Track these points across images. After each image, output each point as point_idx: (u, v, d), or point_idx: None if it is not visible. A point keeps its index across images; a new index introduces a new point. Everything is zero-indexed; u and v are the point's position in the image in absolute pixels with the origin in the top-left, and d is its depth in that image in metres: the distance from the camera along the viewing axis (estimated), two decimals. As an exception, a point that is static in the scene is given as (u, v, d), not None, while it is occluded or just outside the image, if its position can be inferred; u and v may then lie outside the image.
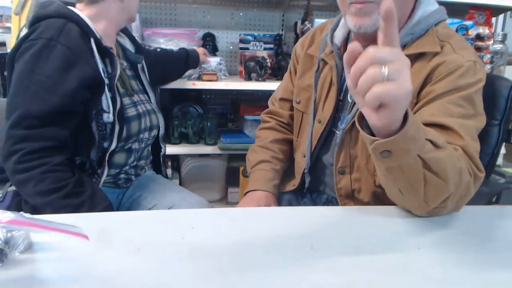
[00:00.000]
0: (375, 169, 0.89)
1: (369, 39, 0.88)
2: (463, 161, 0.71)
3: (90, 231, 0.57)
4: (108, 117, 1.04)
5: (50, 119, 0.95)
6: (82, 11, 1.07)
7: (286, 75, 1.17)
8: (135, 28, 1.94)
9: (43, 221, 0.55)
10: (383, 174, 0.69)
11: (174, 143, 1.97)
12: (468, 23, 1.95)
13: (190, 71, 1.92)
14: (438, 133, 0.71)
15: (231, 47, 2.32)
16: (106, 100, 1.03)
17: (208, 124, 2.00)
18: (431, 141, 0.64)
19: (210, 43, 2.16)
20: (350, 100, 0.93)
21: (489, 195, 1.15)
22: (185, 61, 1.66)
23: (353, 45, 0.53)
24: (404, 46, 0.84)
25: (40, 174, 0.92)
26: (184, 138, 2.01)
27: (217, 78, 1.92)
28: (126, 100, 1.13)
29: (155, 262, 0.57)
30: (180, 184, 2.11)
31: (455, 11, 2.18)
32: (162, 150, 1.35)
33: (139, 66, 1.26)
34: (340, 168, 0.95)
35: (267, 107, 1.22)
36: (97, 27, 1.07)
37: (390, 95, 0.52)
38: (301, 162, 1.05)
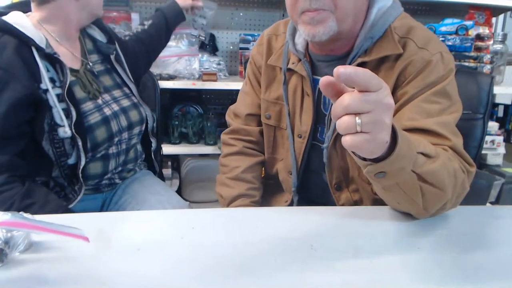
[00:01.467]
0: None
1: (325, 48, 0.85)
2: (455, 160, 0.71)
3: (90, 231, 0.57)
4: (65, 131, 0.94)
5: None
6: (35, 12, 1.01)
7: (247, 88, 1.05)
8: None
9: (44, 222, 0.55)
10: (380, 191, 0.69)
11: (174, 143, 1.97)
12: (468, 23, 1.95)
13: (192, 72, 1.91)
14: (424, 139, 0.69)
15: (231, 47, 2.32)
16: (58, 113, 0.94)
17: (208, 124, 2.00)
18: (422, 153, 0.63)
19: (210, 43, 2.16)
20: (326, 112, 0.89)
21: (487, 187, 1.18)
22: (166, 26, 1.40)
23: (324, 80, 0.50)
24: (365, 51, 0.81)
25: None
26: (184, 138, 2.01)
27: (217, 78, 1.92)
28: (88, 106, 1.02)
29: (155, 262, 0.57)
30: (180, 184, 2.11)
31: (455, 11, 2.18)
32: (153, 145, 1.24)
33: (112, 57, 1.14)
34: (335, 184, 0.92)
35: None
36: (52, 29, 1.01)
37: (362, 148, 0.51)
38: (289, 180, 0.99)
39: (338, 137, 0.86)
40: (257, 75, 1.02)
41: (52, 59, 0.97)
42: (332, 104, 0.63)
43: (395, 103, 0.77)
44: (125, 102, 1.12)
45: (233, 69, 2.30)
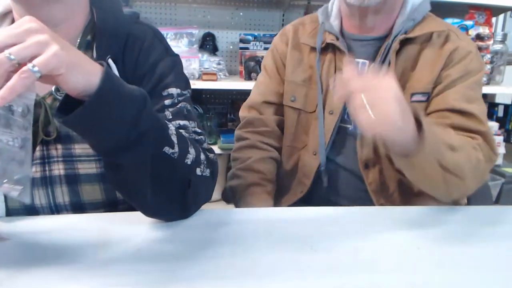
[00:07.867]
0: None
1: (365, 27, 0.90)
2: (480, 150, 0.77)
3: (90, 231, 0.57)
4: None
5: None
6: None
7: (264, 78, 1.04)
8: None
9: None
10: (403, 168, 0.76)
11: (174, 143, 1.96)
12: (468, 23, 1.95)
13: (191, 72, 1.91)
14: (453, 132, 0.78)
15: (231, 47, 2.32)
16: None
17: (208, 124, 2.00)
18: (447, 144, 0.71)
19: (210, 43, 2.16)
20: None
21: (487, 187, 1.21)
22: None
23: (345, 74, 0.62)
24: (406, 32, 0.87)
25: None
26: (184, 138, 2.01)
27: (217, 78, 1.92)
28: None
29: (155, 262, 0.57)
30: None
31: (455, 11, 2.18)
32: None
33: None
34: (364, 162, 0.92)
35: None
36: None
37: (375, 125, 0.62)
38: (312, 161, 0.96)
39: None
40: (277, 62, 1.02)
41: None
42: None
43: (439, 84, 0.86)
44: (87, 168, 0.69)
45: (233, 69, 2.30)
